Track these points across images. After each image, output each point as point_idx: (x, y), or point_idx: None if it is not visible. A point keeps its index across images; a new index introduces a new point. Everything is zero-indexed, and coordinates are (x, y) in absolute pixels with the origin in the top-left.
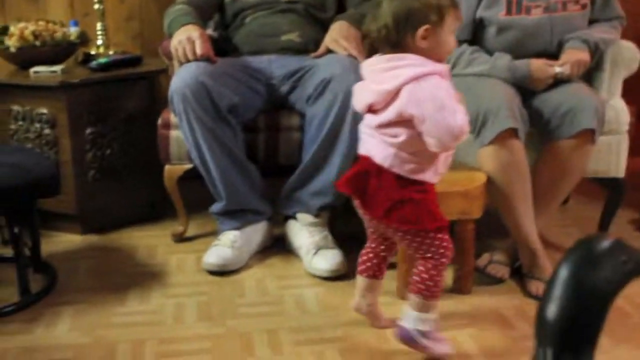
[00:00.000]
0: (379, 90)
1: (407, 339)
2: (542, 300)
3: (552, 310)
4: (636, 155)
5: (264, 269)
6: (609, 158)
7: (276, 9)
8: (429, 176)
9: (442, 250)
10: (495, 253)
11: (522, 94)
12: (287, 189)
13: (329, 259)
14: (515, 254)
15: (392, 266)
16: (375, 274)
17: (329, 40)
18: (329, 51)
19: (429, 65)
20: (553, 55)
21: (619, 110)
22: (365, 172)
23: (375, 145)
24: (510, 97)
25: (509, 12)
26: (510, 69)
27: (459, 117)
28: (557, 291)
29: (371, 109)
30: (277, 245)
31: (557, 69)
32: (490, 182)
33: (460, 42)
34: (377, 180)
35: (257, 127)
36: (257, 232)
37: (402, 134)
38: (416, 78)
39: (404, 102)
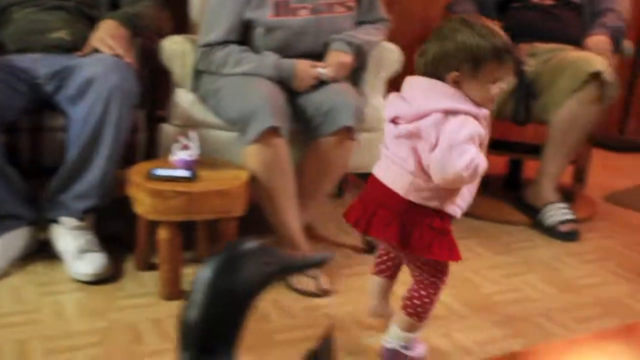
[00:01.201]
0: (411, 106)
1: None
2: (185, 305)
3: (192, 314)
4: None
5: (24, 276)
6: (370, 153)
7: (45, 5)
8: (447, 208)
9: (444, 277)
10: None
11: (288, 92)
12: (50, 192)
13: (93, 263)
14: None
15: (153, 267)
16: (392, 275)
17: (94, 39)
18: (97, 50)
19: (466, 105)
20: (319, 55)
21: (379, 109)
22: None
23: (394, 172)
24: (274, 95)
25: (276, 13)
26: (275, 68)
27: (463, 161)
28: (197, 295)
29: (394, 121)
30: (44, 250)
31: (320, 71)
32: (254, 180)
33: (228, 43)
34: (392, 208)
35: (19, 128)
36: (17, 237)
37: (410, 159)
38: (450, 111)
39: (428, 123)
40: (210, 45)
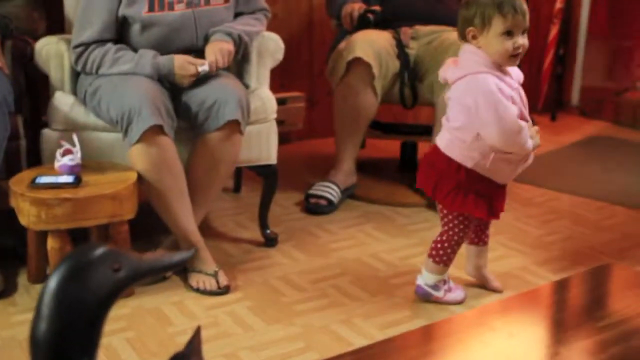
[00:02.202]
0: (454, 71)
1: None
2: (34, 319)
3: (40, 328)
4: (318, 136)
5: None
6: (260, 146)
7: None
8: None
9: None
10: (157, 250)
11: (170, 89)
12: None
13: None
14: (177, 248)
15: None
16: (475, 241)
17: None
18: None
19: (491, 69)
20: (200, 50)
21: (266, 100)
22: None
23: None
24: (155, 93)
25: (151, 9)
26: (153, 66)
27: (509, 110)
28: (44, 308)
29: (447, 81)
30: None
31: (199, 68)
32: (142, 181)
33: (104, 42)
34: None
35: None
36: None
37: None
38: (474, 73)
39: (462, 88)
40: (85, 45)
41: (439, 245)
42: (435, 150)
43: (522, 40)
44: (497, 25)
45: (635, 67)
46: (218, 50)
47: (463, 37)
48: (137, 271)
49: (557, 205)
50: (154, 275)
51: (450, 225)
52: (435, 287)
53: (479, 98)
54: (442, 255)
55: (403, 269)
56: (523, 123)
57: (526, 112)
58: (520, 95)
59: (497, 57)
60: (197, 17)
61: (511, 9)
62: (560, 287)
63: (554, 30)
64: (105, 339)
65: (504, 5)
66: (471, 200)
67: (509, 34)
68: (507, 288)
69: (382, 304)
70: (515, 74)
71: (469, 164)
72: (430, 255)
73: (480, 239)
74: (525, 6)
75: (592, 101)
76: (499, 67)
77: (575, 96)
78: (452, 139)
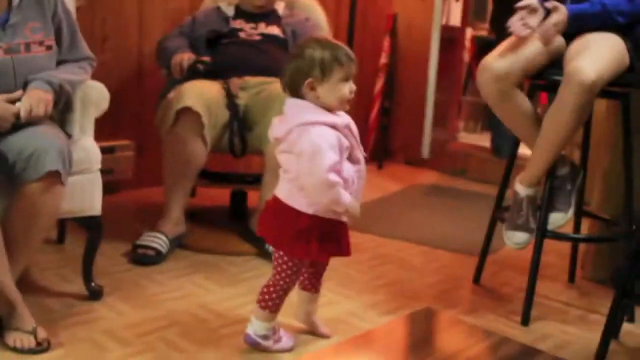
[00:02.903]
0: (281, 125)
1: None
2: None
3: None
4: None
5: None
6: (83, 197)
7: None
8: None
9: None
10: None
11: None
12: None
13: None
14: None
15: None
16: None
17: None
18: None
19: (325, 117)
20: (18, 98)
21: (90, 150)
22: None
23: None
24: None
25: None
26: None
27: (325, 165)
28: None
29: (278, 139)
30: None
31: (19, 104)
32: None
33: None
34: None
35: None
36: None
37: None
38: (309, 123)
39: (294, 137)
40: None
41: (266, 290)
42: (276, 200)
43: (354, 86)
44: (337, 73)
45: (454, 120)
46: (36, 98)
47: (295, 89)
48: None
49: (384, 251)
50: None
51: (280, 269)
52: (265, 337)
53: (305, 146)
54: (268, 301)
55: (232, 318)
56: (337, 179)
57: (360, 150)
58: (354, 133)
59: (336, 103)
60: (15, 64)
61: (347, 58)
62: (387, 331)
63: (379, 84)
64: None
65: (340, 55)
66: (315, 246)
67: (345, 80)
68: (337, 333)
69: (210, 355)
70: (346, 117)
71: (310, 210)
72: (257, 301)
73: (313, 285)
74: (353, 55)
75: (417, 151)
76: (330, 112)
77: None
78: (290, 188)
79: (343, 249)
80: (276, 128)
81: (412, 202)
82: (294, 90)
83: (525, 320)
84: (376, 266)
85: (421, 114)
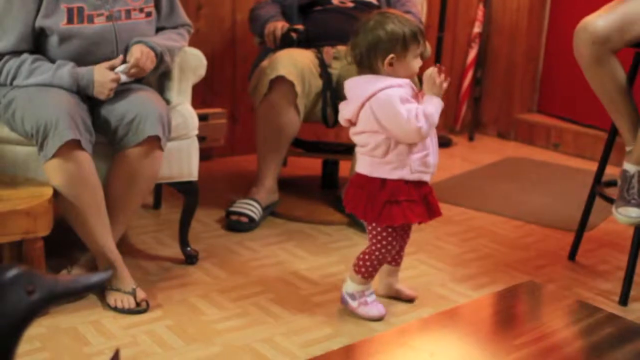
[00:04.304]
0: (349, 107)
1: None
2: None
3: None
4: (239, 153)
5: None
6: (181, 162)
7: None
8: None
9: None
10: (73, 267)
11: (89, 103)
12: None
13: None
14: (94, 265)
15: None
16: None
17: None
18: None
19: (386, 81)
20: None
21: (188, 116)
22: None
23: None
24: (73, 106)
25: (70, 21)
26: (72, 77)
27: (408, 118)
28: None
29: (350, 122)
30: None
31: (119, 69)
32: (59, 197)
33: (20, 53)
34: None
35: None
36: None
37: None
38: (373, 94)
39: (366, 115)
40: (0, 56)
41: (361, 257)
42: (359, 175)
43: (421, 62)
44: (414, 50)
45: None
46: (145, 52)
47: (369, 63)
48: (52, 293)
49: (476, 224)
50: (71, 298)
51: (375, 240)
52: (352, 296)
53: (380, 114)
54: (362, 267)
55: (324, 286)
56: (421, 123)
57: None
58: (415, 91)
59: (413, 78)
60: (117, 30)
61: (422, 35)
62: (479, 306)
63: (472, 54)
64: None
65: (417, 33)
66: (405, 209)
67: (421, 56)
68: (426, 305)
69: (304, 322)
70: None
71: (394, 175)
72: (353, 265)
73: (393, 259)
74: None
75: (509, 123)
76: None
77: (492, 117)
78: (370, 160)
79: (433, 210)
80: (344, 110)
81: (504, 175)
82: (368, 63)
83: (624, 300)
84: (468, 239)
85: (514, 85)
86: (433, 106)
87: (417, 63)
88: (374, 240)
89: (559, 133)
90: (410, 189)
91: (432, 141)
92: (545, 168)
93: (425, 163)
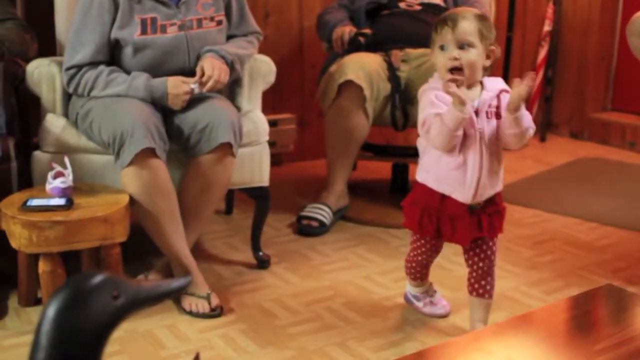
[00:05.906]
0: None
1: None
2: (32, 348)
3: (39, 358)
4: (309, 158)
5: None
6: (252, 168)
7: None
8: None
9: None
10: (150, 273)
11: (162, 112)
12: None
13: None
14: (169, 271)
15: (39, 302)
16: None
17: None
18: None
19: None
20: (192, 72)
21: (258, 122)
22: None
23: None
24: (147, 116)
25: (144, 32)
26: (146, 88)
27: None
28: (42, 338)
29: None
30: None
31: (192, 85)
32: (135, 204)
33: (97, 64)
34: None
35: None
36: None
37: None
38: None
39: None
40: (77, 67)
41: (406, 260)
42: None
43: (457, 53)
44: (436, 42)
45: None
46: (217, 66)
47: None
48: (136, 298)
49: (549, 226)
50: (153, 303)
51: (410, 241)
52: (416, 297)
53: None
54: (406, 270)
55: (396, 290)
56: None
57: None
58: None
59: (441, 73)
60: (189, 39)
61: (442, 23)
62: (556, 310)
63: (542, 53)
64: None
65: (438, 22)
66: (416, 216)
67: (442, 48)
68: (500, 309)
69: (376, 326)
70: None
71: (420, 178)
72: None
73: (473, 288)
74: (464, 21)
75: (582, 122)
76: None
77: (565, 117)
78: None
79: (453, 237)
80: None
81: (577, 176)
82: None
83: None
84: (541, 242)
85: (587, 84)
86: (440, 118)
87: (442, 56)
88: (410, 242)
89: (635, 131)
90: (434, 198)
91: (473, 158)
92: (621, 168)
93: (456, 178)
